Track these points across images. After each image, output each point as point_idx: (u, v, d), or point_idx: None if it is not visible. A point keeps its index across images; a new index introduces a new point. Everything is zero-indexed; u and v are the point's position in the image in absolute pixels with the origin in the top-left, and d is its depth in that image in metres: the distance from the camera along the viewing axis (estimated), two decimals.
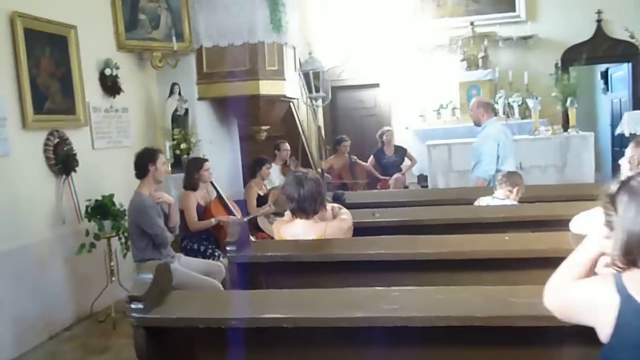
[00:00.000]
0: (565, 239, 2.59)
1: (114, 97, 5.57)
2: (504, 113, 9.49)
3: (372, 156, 8.00)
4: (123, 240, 4.88)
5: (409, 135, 9.63)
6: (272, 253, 2.65)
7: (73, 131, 5.01)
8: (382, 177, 7.62)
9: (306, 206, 2.81)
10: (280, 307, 1.89)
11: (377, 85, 10.37)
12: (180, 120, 6.15)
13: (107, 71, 5.45)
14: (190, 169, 4.89)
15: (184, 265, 4.17)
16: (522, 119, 9.39)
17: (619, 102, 10.19)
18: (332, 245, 2.72)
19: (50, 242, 4.70)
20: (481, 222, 3.09)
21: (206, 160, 5.00)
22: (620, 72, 10.02)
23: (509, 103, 9.45)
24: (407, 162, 7.85)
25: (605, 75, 10.74)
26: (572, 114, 6.85)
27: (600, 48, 9.45)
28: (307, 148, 7.86)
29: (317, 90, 4.32)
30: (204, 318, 1.86)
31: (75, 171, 4.89)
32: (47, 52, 4.74)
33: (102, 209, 4.72)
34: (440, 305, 1.79)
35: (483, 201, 3.65)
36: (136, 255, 4.05)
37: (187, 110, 6.21)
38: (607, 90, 10.71)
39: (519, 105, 9.40)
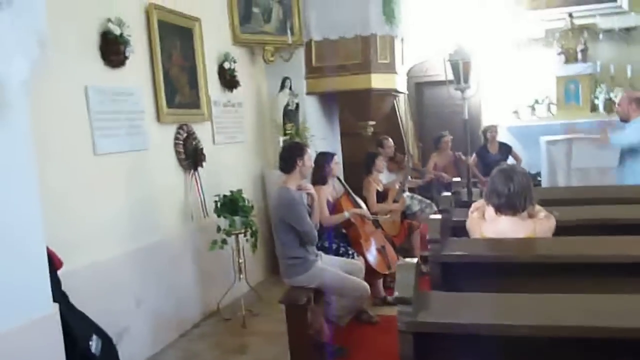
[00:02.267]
0: None
1: (232, 91, 5.48)
2: (604, 109, 9.06)
3: (474, 154, 7.71)
4: (249, 236, 4.78)
5: (502, 132, 9.25)
6: (487, 253, 2.43)
7: (198, 125, 4.93)
8: (484, 177, 7.32)
9: (516, 202, 2.59)
10: (572, 314, 1.67)
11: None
12: (291, 114, 6.01)
13: (226, 64, 5.37)
14: (320, 163, 4.72)
15: (326, 264, 4.00)
16: None
17: None
18: (555, 245, 2.49)
19: (181, 238, 4.63)
20: None
21: (335, 154, 4.84)
22: None
23: (610, 98, 8.98)
24: (511, 160, 7.52)
25: None
26: None
27: None
28: (406, 145, 7.65)
29: (466, 81, 4.10)
30: (489, 324, 1.66)
31: (202, 166, 4.81)
32: (177, 45, 4.67)
33: (232, 205, 4.61)
34: None
35: None
36: (282, 253, 3.90)
37: (297, 104, 6.06)
38: None
39: None
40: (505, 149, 7.47)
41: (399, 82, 6.35)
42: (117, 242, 3.88)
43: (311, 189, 4.04)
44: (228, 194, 4.69)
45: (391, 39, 6.12)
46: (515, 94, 9.47)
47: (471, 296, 1.91)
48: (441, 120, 10.16)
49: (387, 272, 4.79)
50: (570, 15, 9.15)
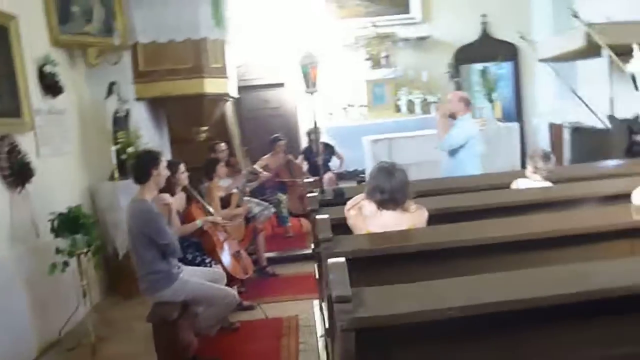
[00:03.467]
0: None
1: (55, 97, 4.96)
2: (407, 110, 10.04)
3: (300, 155, 8.04)
4: (90, 255, 4.39)
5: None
6: (378, 246, 2.57)
7: (20, 136, 4.38)
8: (312, 177, 7.66)
9: (397, 197, 2.76)
10: (487, 293, 1.86)
11: (281, 85, 10.34)
12: (121, 122, 5.63)
13: (47, 68, 4.85)
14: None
15: (189, 275, 3.84)
16: (424, 114, 9.96)
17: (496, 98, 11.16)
18: (437, 233, 2.72)
19: (10, 264, 4.07)
20: (532, 204, 3.29)
21: (181, 162, 4.65)
22: (501, 70, 11.00)
23: (411, 100, 9.99)
24: (335, 159, 7.96)
25: (483, 73, 11.73)
26: (497, 107, 7.45)
27: (485, 48, 10.30)
28: (234, 149, 7.66)
29: (314, 85, 4.24)
30: (421, 311, 1.77)
31: (30, 182, 4.29)
32: None
33: (72, 222, 4.19)
34: None
35: (522, 183, 3.82)
36: (142, 269, 3.65)
37: (127, 111, 5.71)
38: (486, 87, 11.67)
39: (420, 102, 9.96)
40: (329, 149, 7.87)
41: (231, 86, 6.34)
42: None
43: (168, 199, 3.85)
44: (64, 211, 4.26)
45: (222, 42, 6.09)
46: (329, 97, 10.01)
47: (400, 288, 2.01)
48: (259, 123, 10.33)
49: (244, 277, 4.75)
50: (374, 24, 9.96)
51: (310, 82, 4.21)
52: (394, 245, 2.58)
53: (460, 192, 3.71)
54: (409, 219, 2.81)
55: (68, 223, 4.17)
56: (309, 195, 3.64)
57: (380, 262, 2.58)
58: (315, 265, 3.86)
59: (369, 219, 2.85)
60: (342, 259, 1.89)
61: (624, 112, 7.58)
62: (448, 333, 1.86)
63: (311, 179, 7.40)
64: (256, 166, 7.32)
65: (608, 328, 1.96)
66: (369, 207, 2.91)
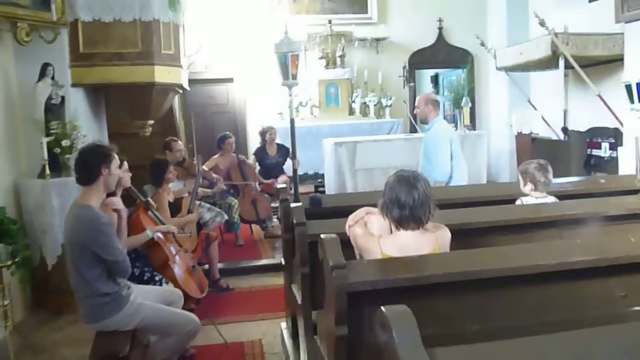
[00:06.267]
0: None
1: None
2: (360, 112, 9.62)
3: (253, 156, 7.46)
4: (14, 268, 3.64)
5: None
6: (407, 275, 2.04)
7: None
8: (264, 179, 7.11)
9: (421, 213, 2.24)
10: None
11: (230, 80, 9.68)
12: (55, 110, 4.85)
13: None
14: None
15: (140, 296, 3.19)
16: (377, 118, 9.60)
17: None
18: (475, 259, 2.22)
19: None
20: (548, 221, 2.90)
21: (123, 160, 3.95)
22: (453, 77, 10.84)
23: (365, 102, 9.59)
24: (289, 161, 7.41)
25: (435, 79, 11.56)
26: (466, 113, 7.13)
27: (440, 53, 10.09)
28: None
29: (294, 77, 3.68)
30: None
31: None
32: None
33: None
34: None
35: (527, 202, 3.41)
36: (83, 290, 2.97)
37: (63, 98, 4.93)
38: (437, 93, 11.51)
39: (374, 105, 9.58)
40: (284, 151, 7.31)
41: (184, 77, 5.67)
42: None
43: (118, 203, 3.19)
44: None
45: (176, 27, 5.42)
46: (279, 95, 9.44)
47: (477, 348, 1.54)
48: (204, 120, 9.64)
49: (200, 296, 4.11)
50: (330, 22, 9.51)
51: (289, 74, 3.65)
52: (426, 274, 2.06)
53: (463, 205, 3.27)
54: (432, 240, 2.30)
55: None
56: (293, 205, 3.07)
57: (404, 293, 2.08)
58: (294, 286, 3.31)
59: (382, 239, 2.32)
60: (404, 306, 1.37)
61: (577, 124, 7.53)
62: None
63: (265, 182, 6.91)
64: (204, 167, 6.66)
65: None
66: (379, 223, 2.39)
